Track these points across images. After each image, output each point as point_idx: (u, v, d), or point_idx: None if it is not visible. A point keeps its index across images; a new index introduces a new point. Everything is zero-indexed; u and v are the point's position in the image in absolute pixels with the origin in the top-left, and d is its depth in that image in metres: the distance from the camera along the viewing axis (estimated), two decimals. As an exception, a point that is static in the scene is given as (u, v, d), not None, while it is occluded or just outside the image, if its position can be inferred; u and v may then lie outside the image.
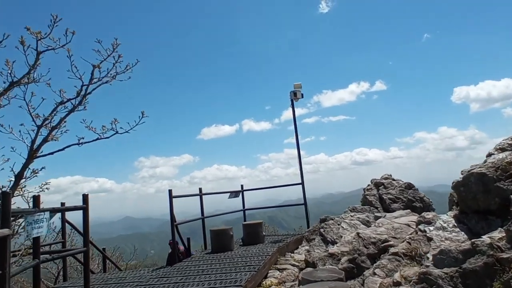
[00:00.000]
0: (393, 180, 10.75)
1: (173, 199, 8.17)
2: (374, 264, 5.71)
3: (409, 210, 8.06)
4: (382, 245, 6.03)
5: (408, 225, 6.49)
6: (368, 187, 10.80)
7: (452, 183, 6.48)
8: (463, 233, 5.43)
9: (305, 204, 11.19)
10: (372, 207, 10.06)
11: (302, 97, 11.34)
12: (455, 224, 5.65)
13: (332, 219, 8.95)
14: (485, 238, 4.45)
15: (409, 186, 10.29)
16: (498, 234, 4.71)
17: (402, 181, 10.60)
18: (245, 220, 11.57)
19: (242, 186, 12.04)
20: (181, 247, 8.82)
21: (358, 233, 6.50)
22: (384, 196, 10.20)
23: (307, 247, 8.88)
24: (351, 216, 8.31)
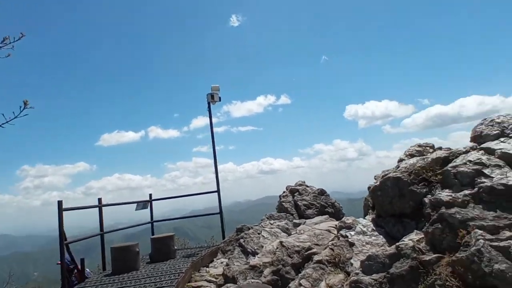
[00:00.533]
0: (307, 186, 10.94)
1: (64, 212, 6.71)
2: (300, 275, 5.40)
3: (327, 216, 8.13)
4: (306, 253, 5.80)
5: (329, 231, 6.43)
6: (284, 194, 10.77)
7: (368, 188, 6.66)
8: (381, 236, 5.52)
9: (220, 213, 10.58)
10: (288, 214, 10.01)
11: (220, 100, 10.83)
12: (374, 228, 5.73)
13: (251, 228, 8.54)
14: (408, 241, 4.50)
15: (322, 192, 10.59)
16: (415, 236, 4.84)
17: (315, 188, 10.86)
18: (153, 234, 10.39)
19: (150, 195, 10.84)
20: (76, 267, 7.31)
21: (281, 242, 6.18)
22: (299, 202, 10.27)
23: (224, 260, 8.27)
24: (271, 224, 8.01)
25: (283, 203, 10.38)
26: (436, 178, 5.30)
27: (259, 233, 7.65)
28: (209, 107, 10.84)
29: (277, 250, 5.98)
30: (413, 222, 5.34)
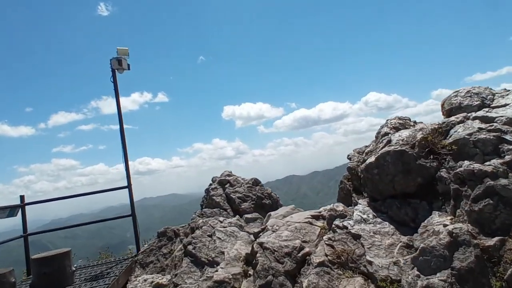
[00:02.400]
0: (237, 177, 9.40)
1: None
2: (303, 285, 3.89)
3: (293, 206, 6.77)
4: (299, 254, 4.31)
5: (310, 223, 5.08)
6: (213, 187, 8.95)
7: (349, 168, 5.61)
8: (387, 223, 4.49)
9: (133, 214, 8.08)
10: (222, 209, 8.29)
11: (129, 69, 8.24)
12: (374, 214, 4.67)
13: (198, 229, 6.49)
14: (462, 225, 3.51)
15: (256, 182, 9.20)
16: (441, 218, 3.95)
17: (247, 178, 9.41)
18: (27, 251, 7.20)
19: (22, 197, 7.53)
20: None
21: (260, 244, 4.51)
22: (232, 195, 8.64)
23: (148, 277, 6.01)
24: (220, 222, 6.20)
25: (214, 197, 8.57)
26: (445, 150, 4.55)
27: (210, 235, 5.75)
28: (114, 76, 8.16)
29: (260, 256, 4.30)
30: (424, 202, 4.48)
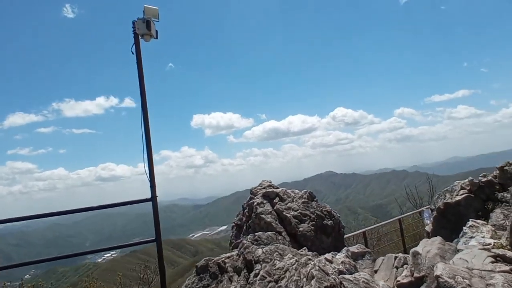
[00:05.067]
0: (286, 190, 7.43)
1: None
2: None
3: (440, 238, 4.85)
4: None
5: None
6: (258, 201, 6.91)
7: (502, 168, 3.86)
8: None
9: (158, 240, 5.83)
10: (276, 233, 6.28)
11: (157, 37, 6.04)
12: None
13: (258, 263, 4.44)
14: None
15: (311, 196, 7.29)
16: None
17: (298, 191, 7.46)
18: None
19: None
20: None
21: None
22: (285, 213, 6.68)
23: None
24: (292, 255, 4.21)
25: (263, 215, 6.56)
26: None
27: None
28: (136, 45, 5.92)
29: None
30: None
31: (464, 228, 4.83)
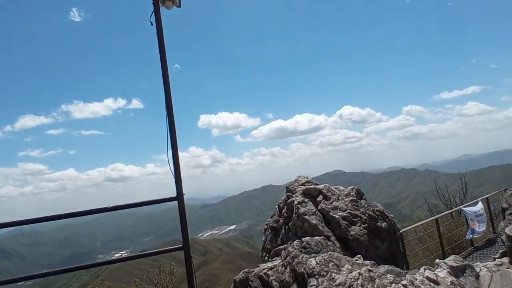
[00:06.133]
0: (329, 186, 6.37)
1: None
2: None
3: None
4: None
5: None
6: (299, 200, 5.87)
7: None
8: None
9: (185, 247, 4.81)
10: (324, 237, 5.23)
11: (179, 5, 5.02)
12: None
13: (312, 276, 3.45)
14: None
15: (359, 193, 6.21)
16: None
17: (343, 188, 6.39)
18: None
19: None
20: None
21: None
22: (332, 213, 5.62)
23: None
24: (369, 271, 3.17)
25: (306, 217, 5.51)
26: None
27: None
28: (156, 13, 4.89)
29: None
30: None
31: None
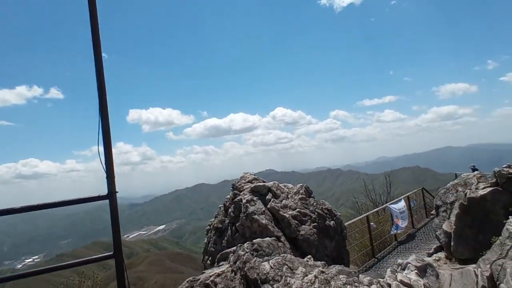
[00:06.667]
0: (278, 184, 6.05)
1: None
2: None
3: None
4: None
5: None
6: (247, 198, 5.43)
7: None
8: None
9: (116, 256, 4.07)
10: (274, 238, 4.89)
11: None
12: None
13: (267, 283, 3.07)
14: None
15: (308, 191, 6.01)
16: None
17: (292, 186, 6.13)
18: None
19: None
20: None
21: None
22: (282, 212, 5.31)
23: None
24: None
25: (255, 216, 5.12)
26: None
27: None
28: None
29: None
30: None
31: (507, 225, 3.98)
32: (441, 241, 5.42)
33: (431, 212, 14.85)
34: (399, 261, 3.65)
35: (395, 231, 11.68)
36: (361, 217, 12.67)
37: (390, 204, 12.33)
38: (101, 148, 3.85)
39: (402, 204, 12.27)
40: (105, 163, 3.91)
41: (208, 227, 6.03)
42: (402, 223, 11.84)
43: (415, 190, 16.42)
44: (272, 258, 4.17)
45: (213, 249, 5.48)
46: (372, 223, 11.75)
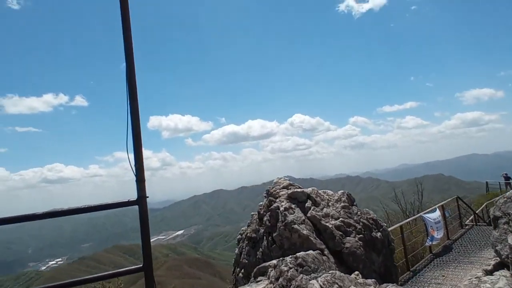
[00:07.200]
0: (317, 190, 5.51)
1: None
2: None
3: None
4: None
5: None
6: (285, 206, 4.92)
7: None
8: None
9: (146, 268, 3.64)
10: (318, 251, 4.34)
11: None
12: None
13: None
14: None
15: (350, 198, 5.43)
16: None
17: (332, 192, 5.57)
18: None
19: None
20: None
21: None
22: (323, 221, 4.77)
23: None
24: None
25: (295, 226, 4.58)
26: None
27: None
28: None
29: None
30: None
31: None
32: (502, 256, 4.76)
33: (466, 222, 13.90)
34: (484, 278, 3.03)
35: (430, 243, 10.86)
36: (395, 226, 11.89)
37: (424, 214, 11.53)
38: (129, 153, 3.44)
39: (437, 214, 11.46)
40: (135, 167, 3.49)
41: (240, 236, 5.54)
42: (438, 234, 11.02)
43: (450, 199, 15.45)
44: (320, 276, 3.64)
45: (246, 261, 4.98)
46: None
